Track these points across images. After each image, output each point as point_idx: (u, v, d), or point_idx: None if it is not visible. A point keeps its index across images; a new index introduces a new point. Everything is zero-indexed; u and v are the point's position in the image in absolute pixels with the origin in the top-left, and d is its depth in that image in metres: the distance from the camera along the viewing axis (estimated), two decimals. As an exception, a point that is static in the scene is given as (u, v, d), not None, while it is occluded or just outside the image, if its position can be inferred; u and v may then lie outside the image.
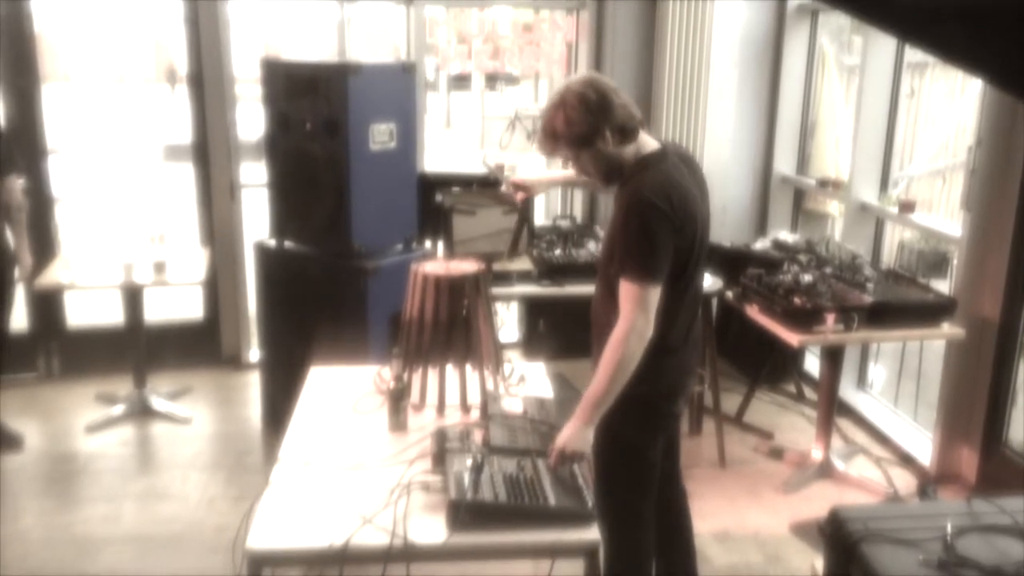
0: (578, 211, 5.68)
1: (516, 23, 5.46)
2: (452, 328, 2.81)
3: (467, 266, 2.87)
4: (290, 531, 2.15)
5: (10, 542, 3.61)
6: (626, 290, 2.40)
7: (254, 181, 5.28)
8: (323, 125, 3.93)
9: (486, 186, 4.33)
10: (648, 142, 2.54)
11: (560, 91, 2.48)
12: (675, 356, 2.58)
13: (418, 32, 5.26)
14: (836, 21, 5.63)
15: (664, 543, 2.97)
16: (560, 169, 2.76)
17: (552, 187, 3.13)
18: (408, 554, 2.09)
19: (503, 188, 3.08)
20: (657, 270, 2.39)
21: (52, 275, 4.53)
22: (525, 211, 3.08)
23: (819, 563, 2.27)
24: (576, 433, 2.36)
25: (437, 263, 2.95)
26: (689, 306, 2.62)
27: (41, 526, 3.75)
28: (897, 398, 4.90)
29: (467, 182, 4.53)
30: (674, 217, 2.39)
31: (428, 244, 4.57)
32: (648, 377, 2.43)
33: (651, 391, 2.51)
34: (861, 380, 5.05)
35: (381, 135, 4.01)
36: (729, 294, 4.29)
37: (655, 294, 2.39)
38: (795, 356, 5.13)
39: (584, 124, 2.42)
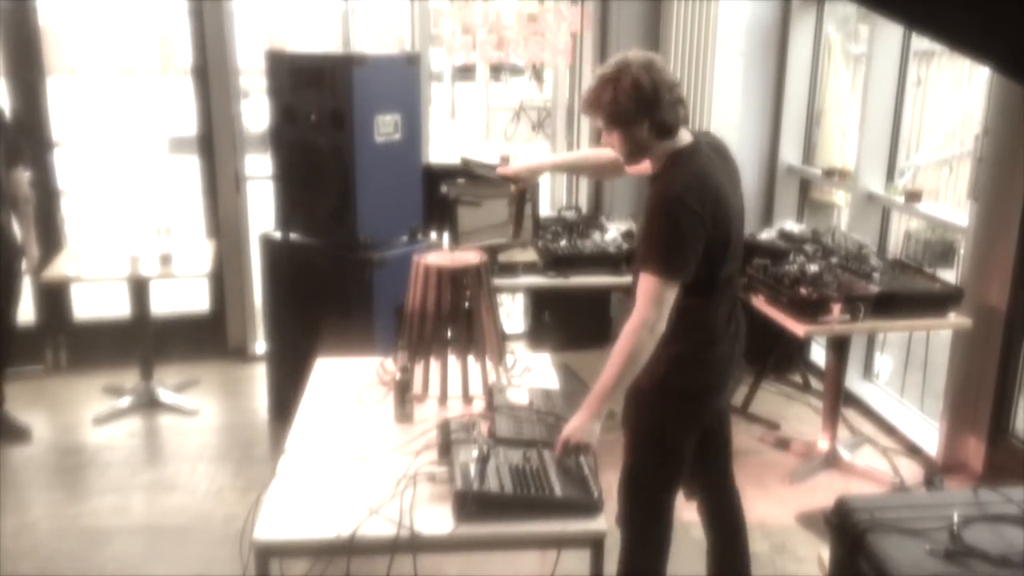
0: (584, 202, 5.67)
1: (520, 13, 5.44)
2: (455, 319, 2.81)
3: (469, 257, 2.87)
4: (297, 522, 2.16)
5: (19, 534, 3.63)
6: (644, 283, 2.38)
7: (259, 173, 5.28)
8: (328, 117, 3.92)
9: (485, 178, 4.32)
10: (682, 135, 2.50)
11: (620, 64, 2.40)
12: (717, 347, 2.57)
13: (422, 23, 5.25)
14: (842, 10, 5.60)
15: (717, 545, 2.94)
16: (551, 155, 2.69)
17: (543, 172, 3.04)
18: (415, 545, 2.10)
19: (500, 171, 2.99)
20: (678, 269, 2.36)
21: (59, 268, 4.54)
22: (521, 198, 3.00)
23: (825, 553, 2.27)
24: (582, 425, 2.35)
25: (440, 254, 2.95)
26: (728, 299, 2.60)
27: (49, 518, 3.77)
28: (903, 388, 4.89)
29: (472, 173, 4.53)
30: (705, 215, 2.36)
31: (433, 235, 4.57)
32: (691, 369, 2.42)
33: (693, 383, 2.49)
34: (867, 370, 5.04)
35: (386, 126, 4.01)
36: (735, 284, 4.28)
37: (671, 292, 2.36)
38: (801, 346, 5.13)
39: (628, 111, 2.39)
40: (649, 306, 2.36)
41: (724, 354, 2.62)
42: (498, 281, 4.04)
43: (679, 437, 2.63)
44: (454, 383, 2.82)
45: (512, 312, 5.82)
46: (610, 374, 2.37)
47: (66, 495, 3.97)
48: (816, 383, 5.06)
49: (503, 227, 4.16)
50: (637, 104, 2.38)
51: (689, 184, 2.39)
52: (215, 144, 5.24)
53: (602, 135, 2.54)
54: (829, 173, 5.29)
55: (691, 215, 2.35)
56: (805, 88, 5.53)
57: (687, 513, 3.02)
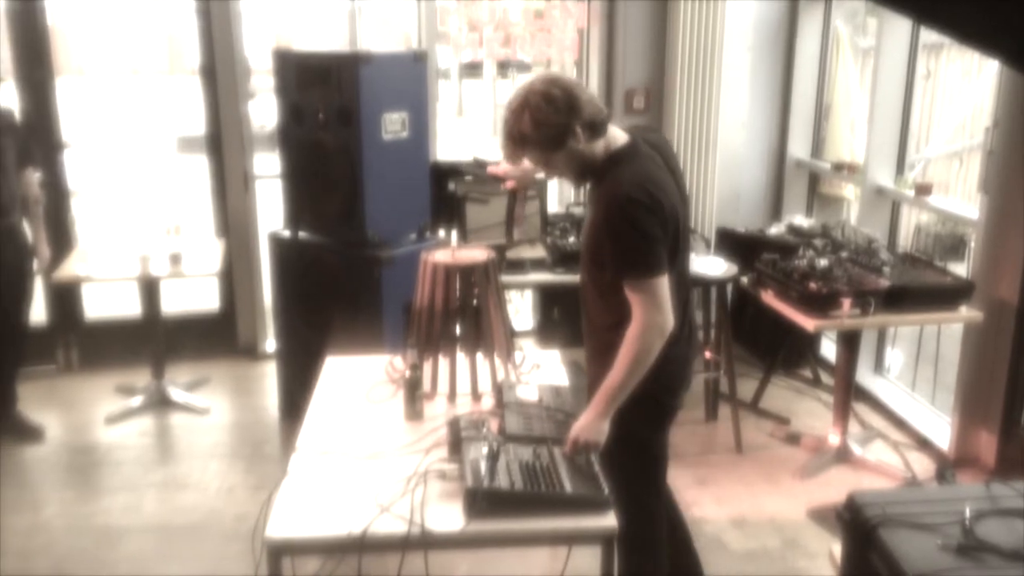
0: (592, 198, 5.66)
1: (527, 10, 5.43)
2: (463, 316, 2.81)
3: (477, 254, 2.87)
4: (309, 520, 2.17)
5: (32, 532, 3.66)
6: (633, 292, 2.36)
7: (268, 172, 5.29)
8: (335, 115, 3.93)
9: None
10: (617, 135, 2.48)
11: (521, 93, 2.38)
12: (673, 348, 2.51)
13: (429, 20, 5.25)
14: (850, 3, 5.58)
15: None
16: None
17: (536, 174, 3.03)
18: (426, 542, 2.10)
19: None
20: (657, 263, 2.35)
21: (69, 268, 4.56)
22: (513, 198, 3.02)
23: (837, 548, 2.27)
24: (591, 424, 2.36)
25: (447, 251, 2.95)
26: (679, 296, 2.55)
27: (63, 516, 3.80)
28: (914, 382, 4.88)
29: (479, 171, 4.53)
30: (656, 209, 2.35)
31: (441, 233, 4.57)
32: (650, 372, 2.40)
33: (655, 386, 2.47)
34: (878, 364, 5.03)
35: (393, 124, 4.01)
36: (744, 279, 4.27)
37: (662, 286, 2.35)
38: (811, 341, 5.11)
39: (554, 124, 2.34)
40: (648, 310, 2.34)
41: (681, 354, 2.59)
42: (506, 278, 4.04)
43: (650, 437, 2.64)
44: (463, 380, 2.82)
45: (521, 309, 5.82)
46: (618, 375, 2.37)
47: (78, 494, 3.99)
48: (826, 378, 5.04)
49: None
50: (559, 113, 2.34)
51: (634, 181, 2.37)
52: (224, 143, 5.25)
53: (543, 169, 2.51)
54: (838, 167, 5.27)
55: (644, 209, 2.33)
56: (814, 82, 5.51)
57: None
